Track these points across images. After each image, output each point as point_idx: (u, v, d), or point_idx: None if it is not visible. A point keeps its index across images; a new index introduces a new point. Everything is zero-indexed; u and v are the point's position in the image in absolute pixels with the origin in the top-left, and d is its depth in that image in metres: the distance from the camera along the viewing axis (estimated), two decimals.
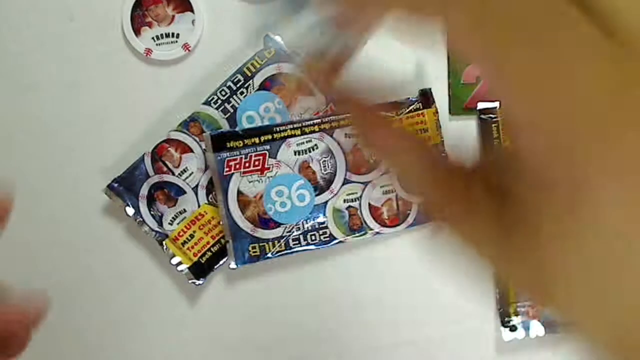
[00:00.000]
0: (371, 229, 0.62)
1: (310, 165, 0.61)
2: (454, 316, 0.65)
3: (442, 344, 0.66)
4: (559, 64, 0.17)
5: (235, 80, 0.62)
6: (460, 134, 0.64)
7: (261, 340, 0.65)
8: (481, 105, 0.64)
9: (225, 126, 0.62)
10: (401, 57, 0.64)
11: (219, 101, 0.62)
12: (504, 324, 0.65)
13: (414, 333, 0.65)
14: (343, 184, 0.62)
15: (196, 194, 0.62)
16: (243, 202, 0.60)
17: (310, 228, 0.61)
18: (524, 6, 0.18)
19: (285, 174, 0.61)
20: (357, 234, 0.62)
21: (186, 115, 0.62)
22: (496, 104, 0.63)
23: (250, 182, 0.60)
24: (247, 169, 0.60)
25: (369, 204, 0.62)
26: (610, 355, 0.18)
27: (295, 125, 0.61)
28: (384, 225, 0.62)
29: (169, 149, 0.61)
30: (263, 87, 0.62)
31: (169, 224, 0.61)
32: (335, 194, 0.62)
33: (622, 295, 0.17)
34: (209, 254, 0.62)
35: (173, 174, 0.61)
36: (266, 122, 0.62)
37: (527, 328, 0.64)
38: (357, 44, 0.24)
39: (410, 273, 0.64)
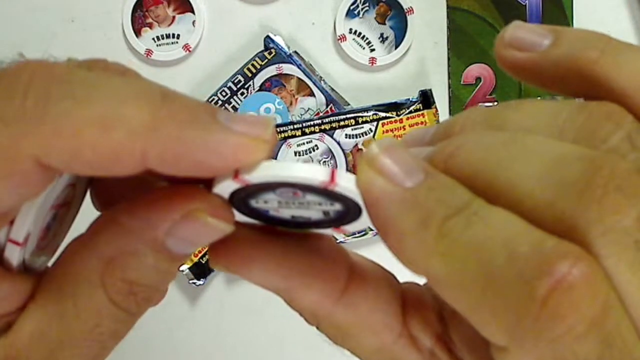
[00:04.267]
0: (371, 229, 0.62)
1: None
2: None
3: None
4: None
5: (236, 81, 0.62)
6: None
7: (261, 340, 0.65)
8: (481, 107, 0.64)
9: None
10: (402, 58, 0.64)
11: (220, 102, 0.62)
12: None
13: None
14: None
15: None
16: None
17: None
18: None
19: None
20: (357, 235, 0.62)
21: None
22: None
23: None
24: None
25: None
26: None
27: (295, 126, 0.61)
28: None
29: None
30: (263, 87, 0.62)
31: None
32: None
33: None
34: None
35: None
36: None
37: None
38: None
39: (411, 273, 0.64)
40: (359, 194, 0.20)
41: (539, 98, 0.62)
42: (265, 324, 0.65)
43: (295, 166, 0.20)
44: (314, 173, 0.20)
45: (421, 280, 0.21)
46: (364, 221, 0.22)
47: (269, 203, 0.21)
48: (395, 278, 0.25)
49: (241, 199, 0.21)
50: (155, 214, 0.21)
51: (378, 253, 0.26)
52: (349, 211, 0.21)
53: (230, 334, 0.65)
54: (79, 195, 0.25)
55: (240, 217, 0.22)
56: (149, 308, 0.23)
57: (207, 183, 0.21)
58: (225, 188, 0.21)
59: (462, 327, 0.22)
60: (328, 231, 0.23)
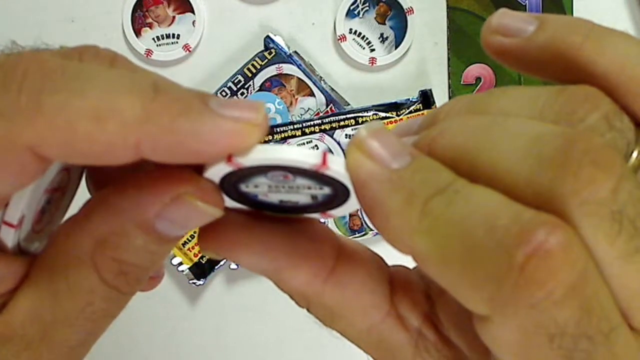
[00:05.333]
0: (371, 229, 0.62)
1: None
2: None
3: None
4: None
5: (236, 81, 0.62)
6: None
7: (261, 340, 0.65)
8: None
9: None
10: (402, 59, 0.64)
11: None
12: None
13: None
14: None
15: None
16: None
17: None
18: None
19: None
20: (357, 234, 0.62)
21: None
22: None
23: None
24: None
25: None
26: None
27: (295, 126, 0.61)
28: None
29: None
30: (263, 87, 0.62)
31: None
32: None
33: None
34: None
35: None
36: None
37: None
38: None
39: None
40: (348, 177, 0.20)
41: None
42: (265, 324, 0.65)
43: (288, 149, 0.20)
44: (307, 156, 0.20)
45: (409, 264, 0.22)
46: (350, 205, 0.22)
47: (259, 187, 0.22)
48: (383, 260, 0.25)
49: (232, 183, 0.22)
50: (145, 196, 0.21)
51: (378, 252, 0.26)
52: (337, 195, 0.22)
53: (230, 334, 0.65)
54: (74, 180, 0.26)
55: (228, 202, 0.23)
56: (140, 288, 0.23)
57: (199, 166, 0.21)
58: (217, 172, 0.21)
59: (448, 305, 0.23)
60: (315, 216, 0.24)
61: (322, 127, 0.61)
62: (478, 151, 0.19)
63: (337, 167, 0.20)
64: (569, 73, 0.21)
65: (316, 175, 0.21)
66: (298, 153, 0.20)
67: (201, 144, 0.19)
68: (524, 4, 0.64)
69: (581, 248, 0.18)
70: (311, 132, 0.61)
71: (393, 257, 0.23)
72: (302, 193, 0.22)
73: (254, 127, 0.20)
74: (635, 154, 0.19)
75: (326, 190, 0.21)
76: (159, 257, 0.23)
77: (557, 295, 0.17)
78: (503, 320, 0.18)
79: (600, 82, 0.20)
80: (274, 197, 0.22)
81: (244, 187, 0.22)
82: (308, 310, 0.24)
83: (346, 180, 0.20)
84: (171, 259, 0.62)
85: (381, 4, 0.64)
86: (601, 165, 0.18)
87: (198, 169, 0.21)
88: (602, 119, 0.19)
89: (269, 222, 0.23)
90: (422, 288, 0.24)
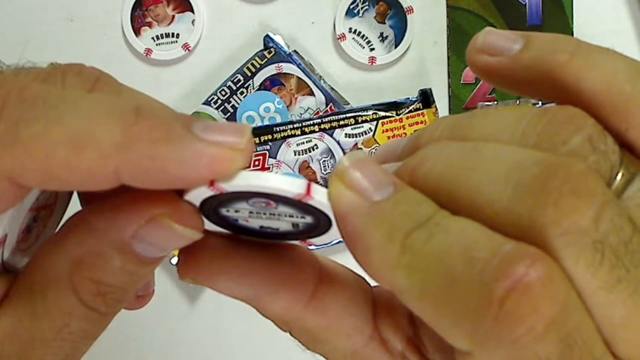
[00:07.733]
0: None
1: (310, 165, 0.62)
2: None
3: None
4: None
5: (235, 80, 0.62)
6: None
7: (261, 340, 0.65)
8: (481, 106, 0.64)
9: None
10: (402, 58, 0.64)
11: (219, 101, 0.62)
12: None
13: None
14: None
15: None
16: None
17: None
18: None
19: (286, 174, 0.61)
20: None
21: None
22: (495, 104, 0.63)
23: None
24: (247, 169, 0.60)
25: None
26: None
27: (295, 125, 0.61)
28: None
29: None
30: (263, 87, 0.62)
31: None
32: None
33: None
34: None
35: None
36: (266, 122, 0.62)
37: None
38: None
39: None
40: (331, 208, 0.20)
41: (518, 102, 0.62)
42: (265, 323, 0.65)
43: (271, 177, 0.20)
44: (291, 185, 0.20)
45: None
46: (331, 235, 0.22)
47: (240, 212, 0.21)
48: (366, 282, 0.25)
49: (212, 206, 0.21)
50: (121, 217, 0.21)
51: None
52: (319, 224, 0.21)
53: (230, 334, 0.65)
54: (63, 197, 0.25)
55: (208, 225, 0.22)
56: (120, 308, 0.23)
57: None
58: (198, 195, 0.21)
59: (432, 330, 0.23)
60: (294, 243, 0.24)
61: (322, 126, 0.61)
62: (457, 180, 0.19)
63: (320, 198, 0.20)
64: (555, 91, 0.21)
65: (299, 205, 0.20)
66: (282, 182, 0.20)
67: (182, 170, 0.19)
68: (524, 3, 0.64)
69: (562, 280, 0.17)
70: (311, 132, 0.61)
71: None
72: (283, 220, 0.22)
73: (237, 153, 0.19)
74: (619, 177, 0.19)
75: (308, 219, 0.21)
76: (140, 278, 0.22)
77: (538, 330, 0.17)
78: (484, 355, 0.17)
79: (587, 100, 0.20)
80: (255, 223, 0.22)
81: (224, 211, 0.21)
82: (290, 334, 0.24)
83: (329, 211, 0.20)
84: (170, 259, 0.61)
85: (381, 3, 0.64)
86: (582, 194, 0.17)
87: (179, 190, 0.21)
88: (586, 141, 0.19)
89: (247, 247, 0.23)
90: (406, 310, 0.24)
